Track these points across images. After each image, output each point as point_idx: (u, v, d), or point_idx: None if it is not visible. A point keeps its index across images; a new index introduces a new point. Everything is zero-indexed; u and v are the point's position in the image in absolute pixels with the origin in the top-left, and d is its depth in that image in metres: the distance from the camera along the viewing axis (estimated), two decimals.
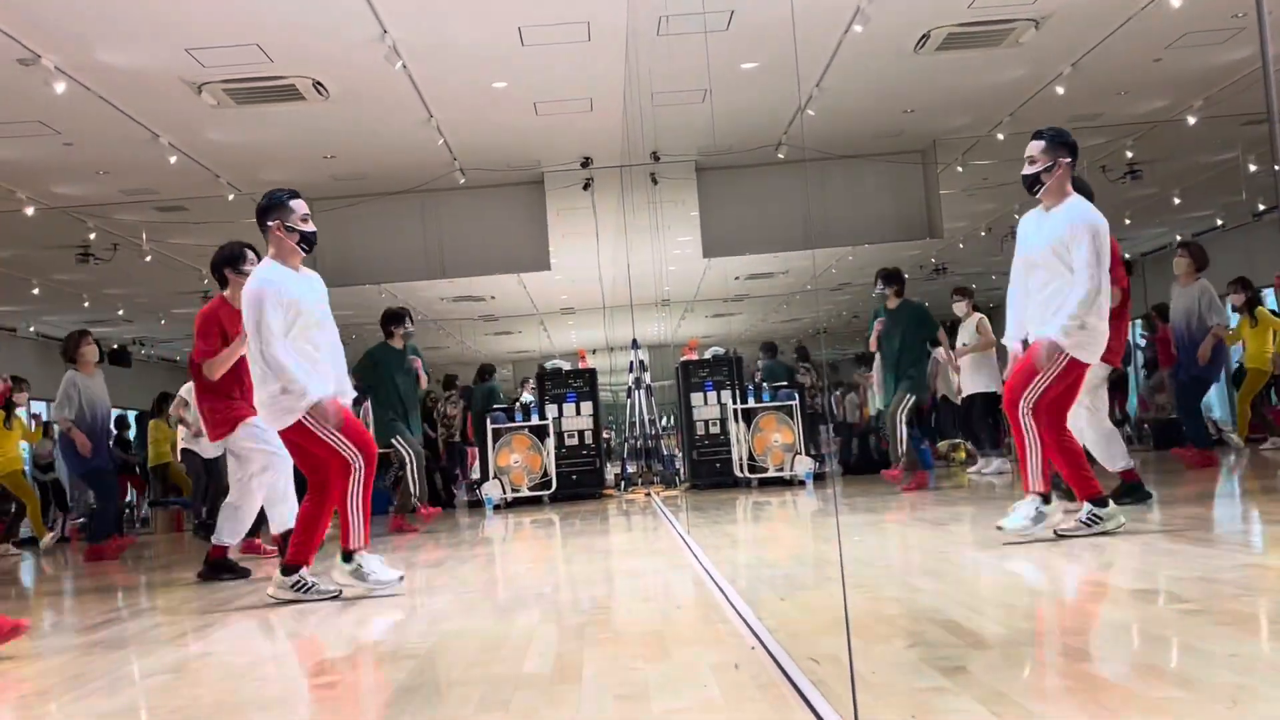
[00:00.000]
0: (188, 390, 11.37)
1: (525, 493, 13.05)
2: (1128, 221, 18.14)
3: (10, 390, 11.41)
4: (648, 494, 13.31)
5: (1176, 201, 17.21)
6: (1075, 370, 5.44)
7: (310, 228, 5.53)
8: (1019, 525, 5.45)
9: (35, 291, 17.04)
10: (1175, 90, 12.27)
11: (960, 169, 14.17)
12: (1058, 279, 5.45)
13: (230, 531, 6.89)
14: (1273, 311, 11.88)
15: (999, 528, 5.51)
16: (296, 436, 5.39)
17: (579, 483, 13.52)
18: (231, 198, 13.45)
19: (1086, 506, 5.45)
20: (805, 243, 15.12)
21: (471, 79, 10.60)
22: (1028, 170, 5.61)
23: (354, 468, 5.33)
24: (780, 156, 13.60)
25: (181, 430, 11.60)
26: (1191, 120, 12.88)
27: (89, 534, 10.30)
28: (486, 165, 13.24)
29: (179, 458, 11.59)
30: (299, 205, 5.54)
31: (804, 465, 12.84)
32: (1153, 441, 12.42)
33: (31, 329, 20.36)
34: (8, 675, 4.14)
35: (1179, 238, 17.38)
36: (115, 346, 22.28)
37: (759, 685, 3.00)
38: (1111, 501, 5.55)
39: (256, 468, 6.74)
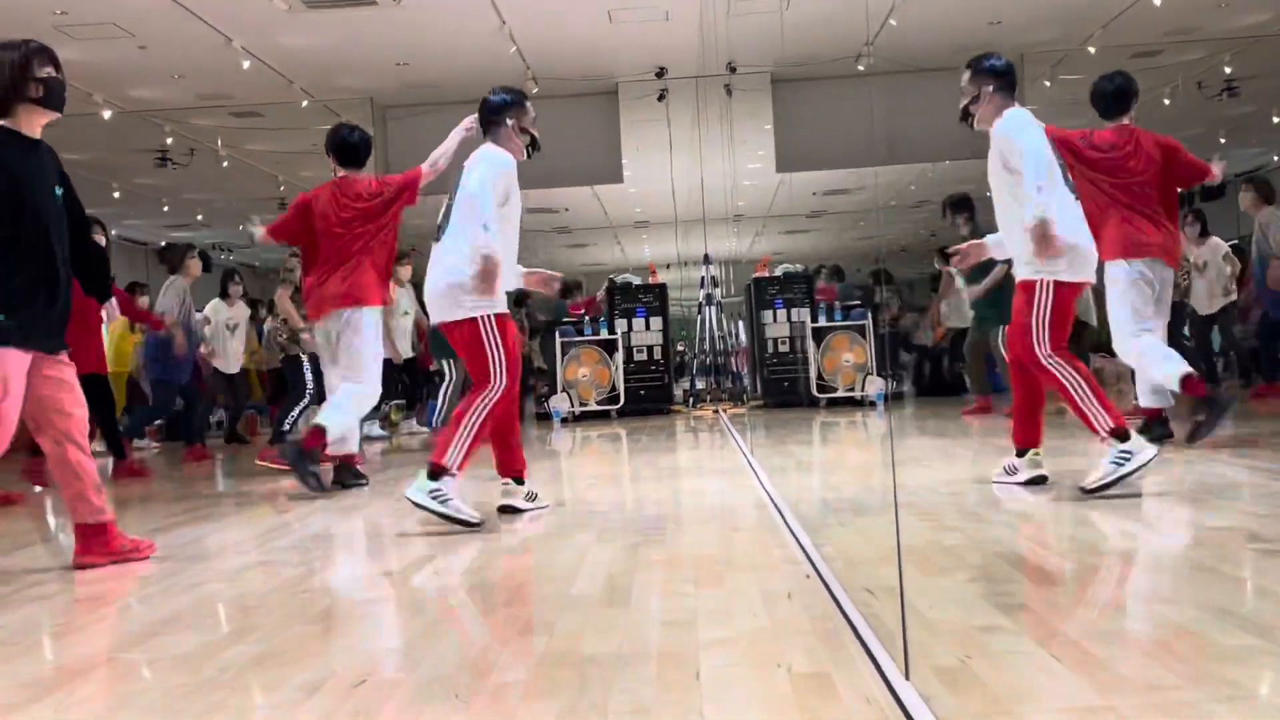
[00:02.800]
0: (215, 308, 11.51)
1: (593, 407, 13.03)
2: (1223, 139, 17.49)
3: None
4: (716, 411, 13.22)
5: (1276, 120, 16.53)
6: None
7: (536, 132, 5.32)
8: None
9: (116, 195, 17.23)
10: (1279, 2, 11.70)
11: (1048, 84, 13.67)
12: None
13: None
14: None
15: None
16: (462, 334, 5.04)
17: (647, 398, 13.45)
18: (305, 104, 13.41)
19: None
20: (885, 158, 14.77)
21: None
22: (961, 102, 5.29)
23: (491, 387, 4.92)
24: (860, 69, 13.22)
25: (204, 348, 11.71)
26: None
27: (185, 438, 10.47)
28: (559, 75, 13.02)
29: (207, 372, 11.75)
30: (531, 108, 5.34)
31: (875, 386, 12.65)
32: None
33: (114, 232, 20.64)
34: (67, 578, 4.17)
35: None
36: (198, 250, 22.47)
37: (811, 617, 2.90)
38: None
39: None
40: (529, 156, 5.30)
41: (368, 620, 3.24)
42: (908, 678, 2.26)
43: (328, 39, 11.47)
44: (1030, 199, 4.80)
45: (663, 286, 14.01)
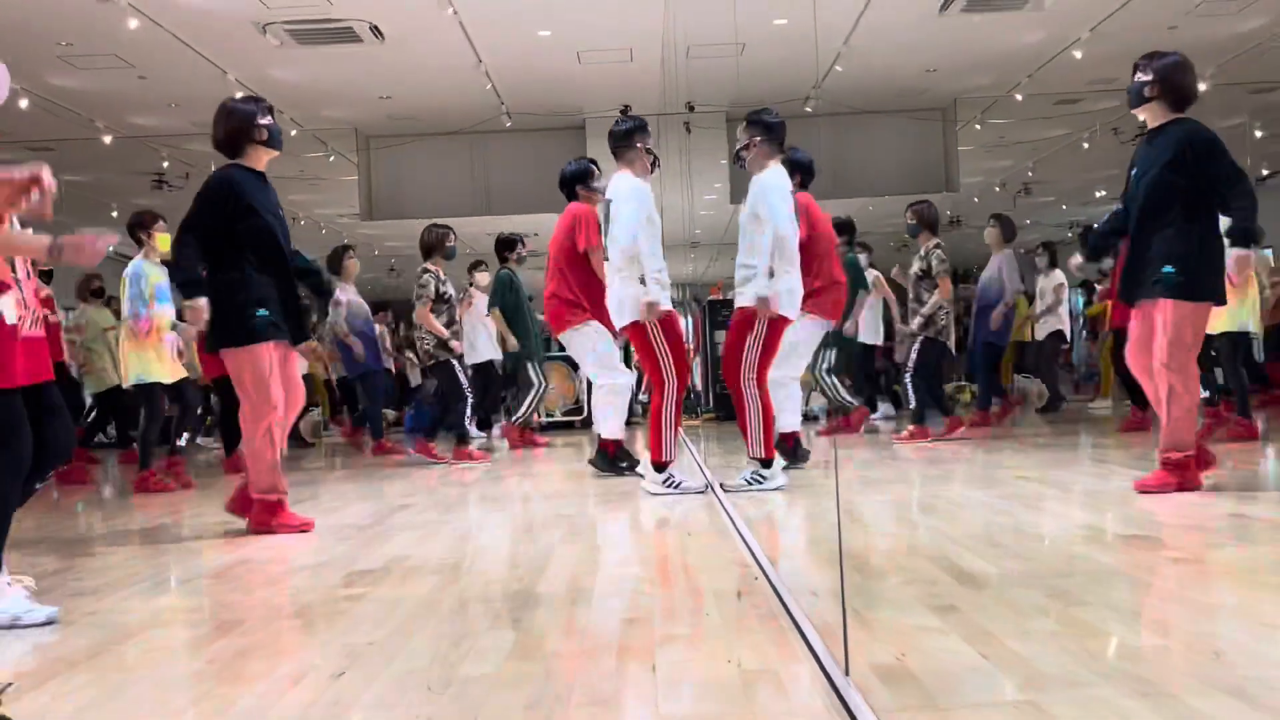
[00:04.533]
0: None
1: (558, 417, 13.01)
2: None
3: None
4: None
5: None
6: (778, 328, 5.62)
7: (656, 153, 5.90)
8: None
9: (114, 214, 17.00)
10: (1188, 57, 11.88)
11: (979, 127, 13.84)
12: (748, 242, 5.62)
13: (612, 426, 6.91)
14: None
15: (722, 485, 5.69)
16: (635, 337, 5.65)
17: None
18: (294, 133, 13.29)
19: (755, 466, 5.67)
20: (829, 192, 14.83)
21: (518, 26, 10.38)
22: (736, 147, 5.81)
23: (668, 386, 5.57)
24: (808, 110, 13.30)
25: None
26: (1203, 87, 12.41)
27: (372, 432, 10.33)
28: (531, 110, 13.02)
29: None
30: (650, 131, 5.90)
31: (817, 401, 12.69)
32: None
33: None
34: (63, 574, 4.11)
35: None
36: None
37: (759, 616, 2.91)
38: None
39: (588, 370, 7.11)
40: (652, 172, 5.82)
41: (348, 616, 3.21)
42: (847, 674, 2.27)
43: (316, 73, 11.42)
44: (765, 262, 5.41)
45: None
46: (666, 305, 5.70)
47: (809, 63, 11.79)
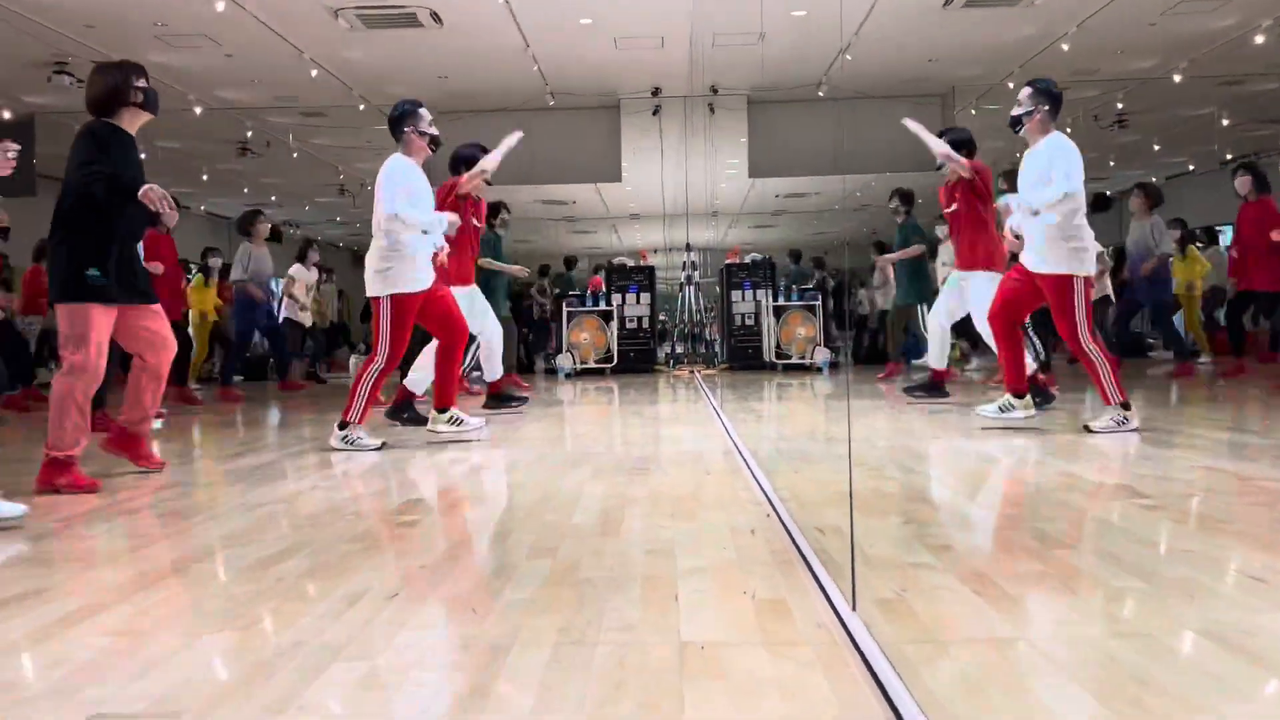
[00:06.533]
0: (296, 270, 11.56)
1: (591, 365, 12.93)
2: (1112, 163, 17.37)
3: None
4: (691, 372, 13.13)
5: (1156, 148, 16.43)
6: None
7: (435, 131, 5.55)
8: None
9: (205, 178, 16.97)
10: (1165, 52, 11.55)
11: (973, 112, 13.53)
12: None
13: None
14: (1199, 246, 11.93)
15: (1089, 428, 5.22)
16: (375, 308, 5.34)
17: (635, 359, 13.35)
18: (362, 107, 13.17)
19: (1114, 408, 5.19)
20: (836, 168, 14.61)
21: (562, 15, 10.18)
22: (1015, 111, 5.36)
23: (377, 361, 5.27)
24: (820, 94, 13.05)
25: (287, 303, 11.73)
26: (1177, 79, 12.14)
27: (279, 373, 10.66)
28: (572, 90, 12.82)
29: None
30: (425, 113, 5.56)
31: (822, 355, 12.56)
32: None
33: (202, 208, 20.40)
34: (149, 498, 4.07)
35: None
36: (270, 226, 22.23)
37: (771, 551, 2.82)
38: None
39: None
40: (434, 153, 5.52)
41: (401, 542, 3.15)
42: (854, 609, 2.18)
43: (382, 54, 11.26)
44: (1050, 195, 5.01)
45: (651, 268, 13.87)
46: (401, 288, 5.28)
47: (823, 51, 11.53)
